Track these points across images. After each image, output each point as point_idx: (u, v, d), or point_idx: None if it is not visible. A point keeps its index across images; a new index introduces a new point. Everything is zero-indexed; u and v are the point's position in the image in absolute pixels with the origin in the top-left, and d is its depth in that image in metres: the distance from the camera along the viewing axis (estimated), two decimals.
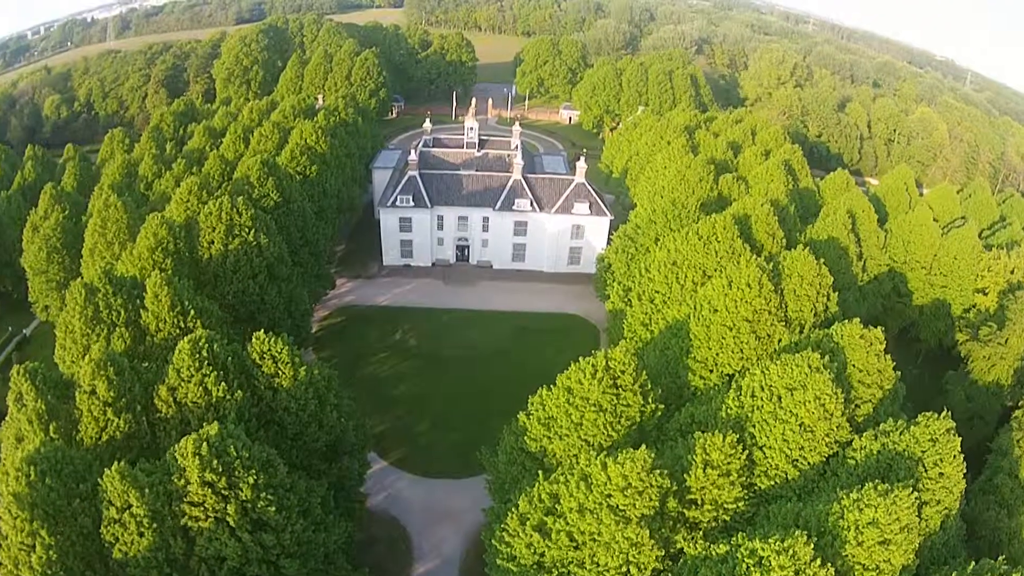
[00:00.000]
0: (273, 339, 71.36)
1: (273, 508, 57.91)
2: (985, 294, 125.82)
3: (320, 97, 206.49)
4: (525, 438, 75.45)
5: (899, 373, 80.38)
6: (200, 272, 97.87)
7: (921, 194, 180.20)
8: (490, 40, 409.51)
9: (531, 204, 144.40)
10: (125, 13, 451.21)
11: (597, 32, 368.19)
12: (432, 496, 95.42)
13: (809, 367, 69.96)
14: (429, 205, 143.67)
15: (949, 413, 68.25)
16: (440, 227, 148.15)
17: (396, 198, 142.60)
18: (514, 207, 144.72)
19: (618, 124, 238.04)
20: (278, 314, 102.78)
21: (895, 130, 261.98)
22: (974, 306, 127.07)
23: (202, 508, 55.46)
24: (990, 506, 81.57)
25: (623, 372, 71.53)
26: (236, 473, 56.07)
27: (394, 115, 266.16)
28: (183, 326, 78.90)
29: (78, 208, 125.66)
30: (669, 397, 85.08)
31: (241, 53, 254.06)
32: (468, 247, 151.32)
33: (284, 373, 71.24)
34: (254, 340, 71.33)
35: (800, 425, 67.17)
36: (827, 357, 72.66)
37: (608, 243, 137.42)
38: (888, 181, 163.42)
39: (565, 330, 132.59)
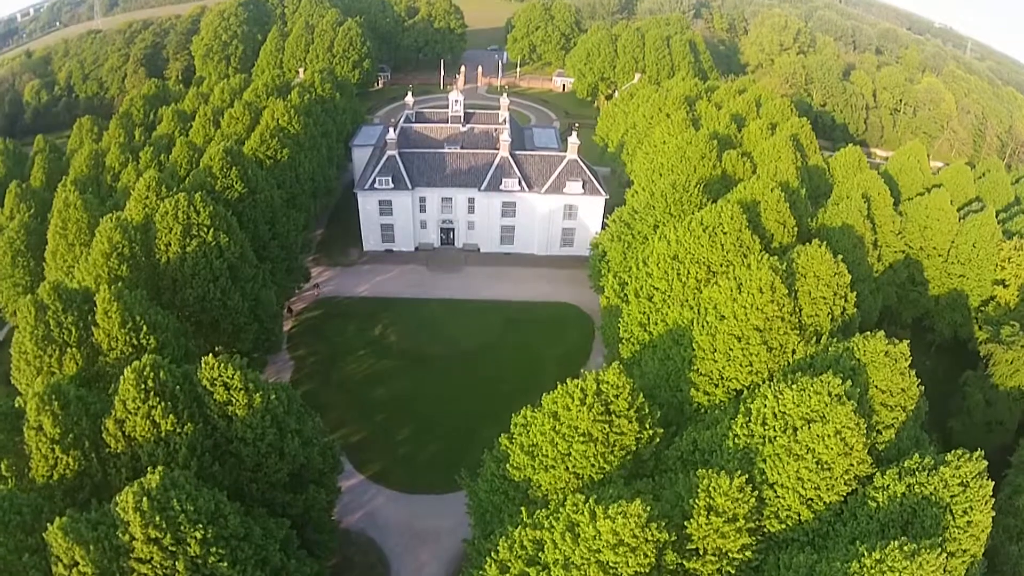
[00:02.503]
0: (223, 364, 63.61)
1: (226, 563, 52.70)
2: (1005, 286, 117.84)
3: (301, 71, 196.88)
4: (507, 466, 67.44)
5: (921, 387, 72.34)
6: (158, 277, 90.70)
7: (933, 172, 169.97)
8: (482, 4, 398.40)
9: (520, 183, 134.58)
10: None
11: None
12: (412, 515, 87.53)
13: (830, 395, 61.39)
14: (410, 187, 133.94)
15: (982, 454, 59.99)
16: (423, 209, 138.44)
17: (375, 179, 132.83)
18: (501, 187, 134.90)
19: (614, 92, 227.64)
20: (243, 319, 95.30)
21: (901, 100, 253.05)
22: (993, 298, 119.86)
23: (150, 565, 50.52)
24: (1012, 535, 72.79)
25: (617, 396, 63.29)
26: (182, 528, 50.95)
27: (380, 86, 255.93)
28: (136, 343, 73.15)
29: (45, 206, 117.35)
30: (669, 413, 77.43)
31: (220, 28, 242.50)
32: (453, 230, 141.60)
33: (238, 401, 63.82)
34: (203, 365, 63.66)
35: (817, 462, 58.97)
36: (849, 382, 63.71)
37: (603, 225, 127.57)
38: (900, 158, 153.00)
39: (557, 321, 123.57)
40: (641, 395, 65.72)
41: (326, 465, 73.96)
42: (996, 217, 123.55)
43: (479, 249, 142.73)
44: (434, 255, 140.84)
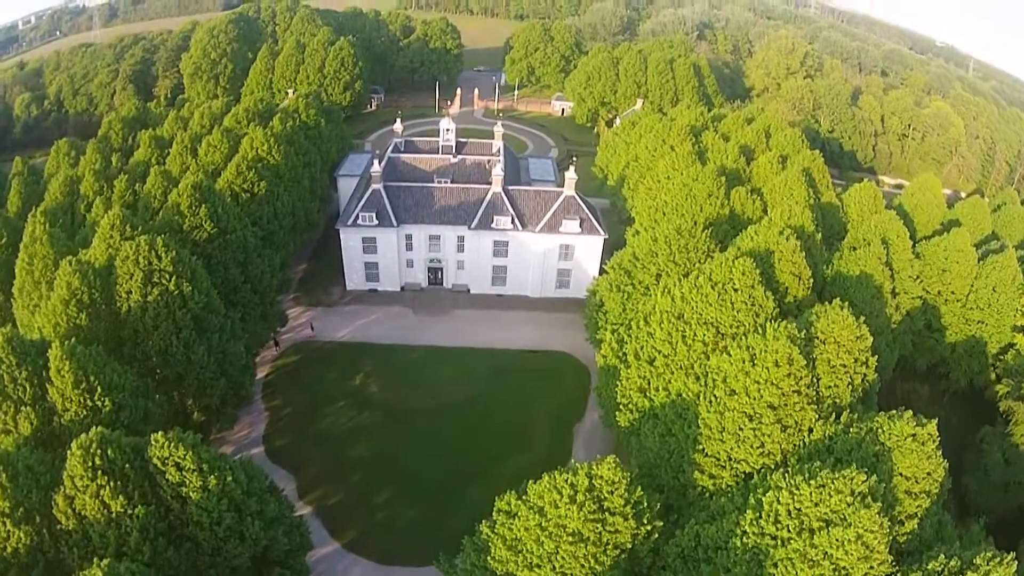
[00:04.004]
0: (174, 444, 58.39)
1: None
2: None
3: (291, 91, 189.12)
4: (488, 558, 59.64)
5: (944, 463, 64.43)
6: (119, 326, 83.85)
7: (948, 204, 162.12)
8: (482, 24, 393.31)
9: (513, 221, 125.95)
10: (115, 0, 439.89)
11: (593, 16, 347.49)
12: None
13: (852, 494, 53.58)
14: (395, 223, 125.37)
15: (1014, 557, 53.18)
16: (409, 248, 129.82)
17: (358, 215, 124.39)
18: (493, 225, 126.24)
19: (615, 118, 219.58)
20: (208, 374, 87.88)
21: (910, 125, 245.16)
22: (1012, 346, 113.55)
23: None
24: None
25: (612, 492, 55.51)
26: None
27: (373, 108, 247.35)
28: (91, 405, 68.51)
29: (19, 235, 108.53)
30: (670, 496, 70.45)
31: (209, 46, 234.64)
32: (442, 269, 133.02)
33: (191, 483, 58.76)
34: (153, 444, 58.52)
35: (835, 569, 51.46)
36: (874, 478, 55.66)
37: (602, 270, 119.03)
38: (915, 192, 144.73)
39: (550, 371, 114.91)
40: (639, 488, 57.82)
41: (293, 544, 68.68)
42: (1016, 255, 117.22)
43: (469, 290, 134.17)
44: (421, 296, 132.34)
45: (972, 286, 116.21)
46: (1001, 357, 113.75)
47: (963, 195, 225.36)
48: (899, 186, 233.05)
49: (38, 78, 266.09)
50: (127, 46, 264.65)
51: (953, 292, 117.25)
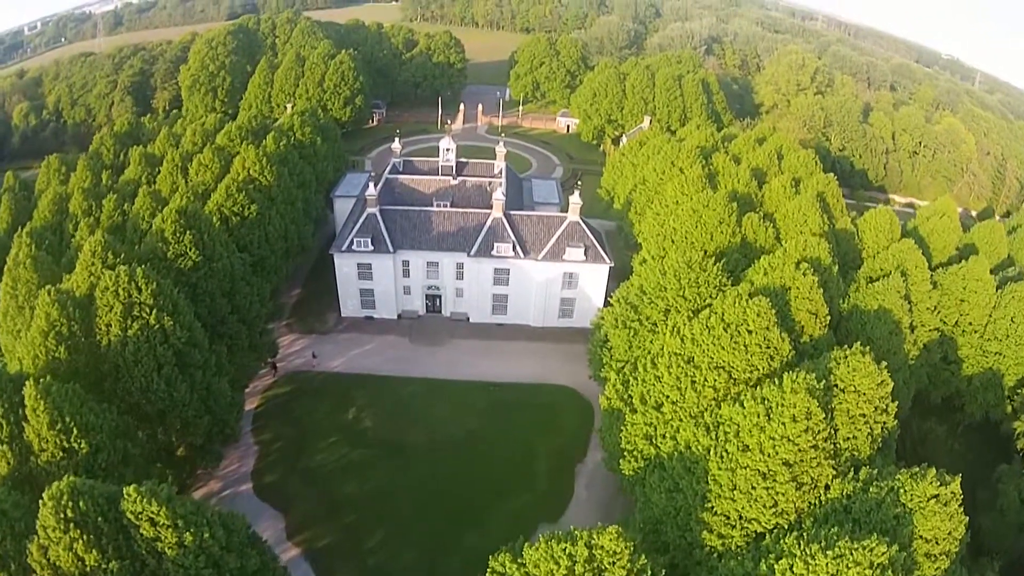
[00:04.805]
0: (147, 499, 54.46)
1: None
2: None
3: (290, 106, 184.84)
4: None
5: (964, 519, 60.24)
6: (100, 360, 79.37)
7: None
8: (487, 37, 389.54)
9: (514, 248, 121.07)
10: (119, 8, 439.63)
11: (599, 30, 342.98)
12: None
13: (872, 566, 49.34)
14: (391, 249, 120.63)
15: None
16: (406, 274, 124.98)
17: (352, 240, 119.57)
18: (493, 252, 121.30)
19: (621, 136, 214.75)
20: (192, 412, 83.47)
21: (920, 142, 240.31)
22: None
23: None
24: None
25: (613, 564, 50.56)
26: None
27: (375, 123, 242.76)
28: (67, 447, 65.60)
29: (6, 254, 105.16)
30: (676, 555, 66.11)
31: (207, 58, 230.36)
32: (440, 297, 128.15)
33: (166, 539, 55.12)
34: (125, 497, 54.79)
35: None
36: (895, 547, 51.36)
37: (607, 301, 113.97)
38: (931, 216, 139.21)
39: (552, 406, 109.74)
40: (643, 557, 52.75)
41: None
42: None
43: (468, 318, 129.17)
44: (418, 324, 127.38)
45: (990, 316, 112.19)
46: (1019, 390, 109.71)
47: (974, 214, 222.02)
48: (910, 205, 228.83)
49: (37, 87, 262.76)
50: (126, 56, 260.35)
51: (971, 323, 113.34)
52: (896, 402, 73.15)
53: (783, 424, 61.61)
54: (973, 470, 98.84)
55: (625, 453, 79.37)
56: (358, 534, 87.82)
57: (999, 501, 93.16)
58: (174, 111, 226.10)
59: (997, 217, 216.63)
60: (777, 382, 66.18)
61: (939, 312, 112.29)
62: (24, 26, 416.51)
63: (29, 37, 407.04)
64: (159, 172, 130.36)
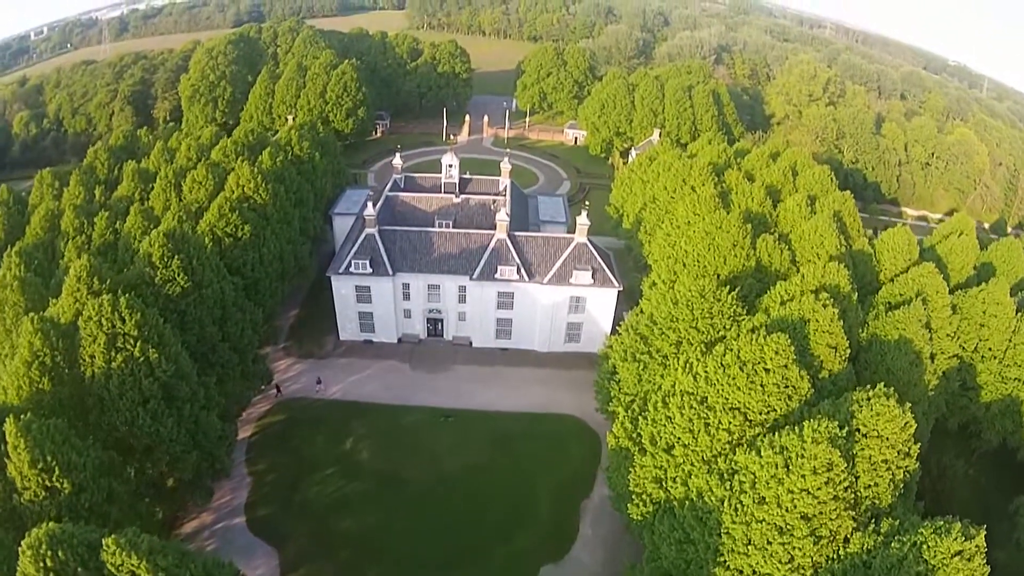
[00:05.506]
0: (127, 551, 51.90)
1: None
2: None
3: (291, 117, 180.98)
4: None
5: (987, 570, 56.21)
6: (84, 393, 75.86)
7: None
8: (494, 46, 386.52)
9: (519, 271, 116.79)
10: (126, 14, 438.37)
11: (607, 39, 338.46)
12: None
13: None
14: (391, 272, 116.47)
15: None
16: (407, 297, 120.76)
17: (350, 262, 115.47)
18: (497, 275, 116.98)
19: (630, 149, 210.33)
20: (179, 447, 79.71)
21: (933, 154, 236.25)
22: None
23: None
24: None
25: None
26: None
27: (379, 134, 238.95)
28: (49, 486, 62.95)
29: None
30: None
31: (207, 67, 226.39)
32: (442, 320, 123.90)
33: None
34: (104, 549, 52.31)
35: None
36: None
37: (614, 327, 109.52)
38: (948, 235, 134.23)
39: (557, 438, 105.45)
40: None
41: None
42: None
43: (471, 343, 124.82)
44: (419, 349, 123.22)
45: (1010, 341, 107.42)
46: None
47: (986, 226, 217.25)
48: (922, 218, 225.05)
49: (38, 95, 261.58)
50: (127, 65, 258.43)
51: (990, 348, 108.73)
52: (919, 443, 68.81)
53: (803, 477, 57.23)
54: (988, 499, 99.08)
55: (633, 496, 74.93)
56: (354, 572, 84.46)
57: (1016, 535, 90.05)
58: (172, 123, 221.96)
59: (1010, 229, 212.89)
60: (797, 430, 61.59)
61: (959, 338, 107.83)
62: (31, 31, 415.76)
63: (35, 42, 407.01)
64: (152, 188, 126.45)
